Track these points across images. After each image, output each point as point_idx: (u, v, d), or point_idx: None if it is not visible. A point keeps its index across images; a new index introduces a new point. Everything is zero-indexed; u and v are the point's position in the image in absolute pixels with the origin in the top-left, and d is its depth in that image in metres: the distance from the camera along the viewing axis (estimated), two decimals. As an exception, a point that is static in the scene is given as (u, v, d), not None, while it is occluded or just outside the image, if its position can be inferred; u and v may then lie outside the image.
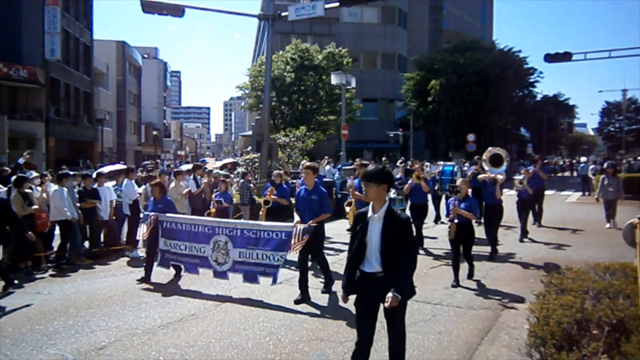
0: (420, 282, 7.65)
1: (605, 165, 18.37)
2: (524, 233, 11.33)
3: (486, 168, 9.78)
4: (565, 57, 18.75)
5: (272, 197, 9.14)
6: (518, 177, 11.45)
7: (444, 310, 6.36)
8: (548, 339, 3.36)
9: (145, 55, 65.99)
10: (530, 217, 12.46)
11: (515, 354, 4.77)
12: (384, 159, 29.64)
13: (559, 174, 42.78)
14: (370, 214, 3.80)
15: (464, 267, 7.79)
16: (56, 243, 9.32)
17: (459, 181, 7.90)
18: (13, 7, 27.86)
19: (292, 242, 6.50)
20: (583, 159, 32.97)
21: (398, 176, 11.62)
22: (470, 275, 7.92)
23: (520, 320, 5.60)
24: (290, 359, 4.89)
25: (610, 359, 3.16)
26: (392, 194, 10.47)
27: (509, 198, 11.51)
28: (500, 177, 9.55)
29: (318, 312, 6.33)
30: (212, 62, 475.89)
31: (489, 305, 6.54)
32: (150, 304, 6.62)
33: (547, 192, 14.66)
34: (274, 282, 6.69)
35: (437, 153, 41.48)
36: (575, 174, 40.03)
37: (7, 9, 27.62)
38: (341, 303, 6.55)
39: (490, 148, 10.04)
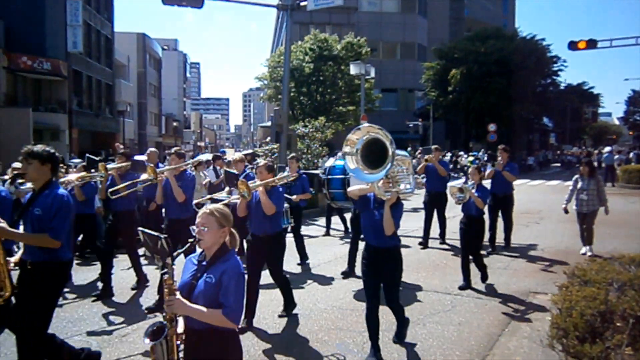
0: (441, 273, 7.65)
1: (620, 156, 17.70)
2: (485, 273, 6.94)
3: (351, 166, 4.46)
4: (590, 44, 18.26)
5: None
6: (457, 183, 7.05)
7: (464, 301, 6.33)
8: (571, 331, 3.31)
9: (165, 47, 66.40)
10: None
11: (537, 345, 4.72)
12: (409, 149, 29.24)
13: (577, 165, 41.37)
14: None
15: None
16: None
17: (200, 212, 2.85)
18: (36, 0, 28.29)
19: None
20: (607, 148, 32.04)
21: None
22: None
23: (542, 312, 5.54)
24: (310, 348, 4.94)
25: (635, 351, 3.11)
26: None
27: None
28: (397, 189, 4.53)
29: (337, 302, 6.36)
30: (230, 54, 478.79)
31: (509, 296, 6.49)
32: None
33: (566, 184, 14.14)
34: None
35: (458, 143, 41.07)
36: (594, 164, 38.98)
37: (30, 3, 28.05)
38: (360, 295, 6.64)
39: (365, 124, 4.50)
